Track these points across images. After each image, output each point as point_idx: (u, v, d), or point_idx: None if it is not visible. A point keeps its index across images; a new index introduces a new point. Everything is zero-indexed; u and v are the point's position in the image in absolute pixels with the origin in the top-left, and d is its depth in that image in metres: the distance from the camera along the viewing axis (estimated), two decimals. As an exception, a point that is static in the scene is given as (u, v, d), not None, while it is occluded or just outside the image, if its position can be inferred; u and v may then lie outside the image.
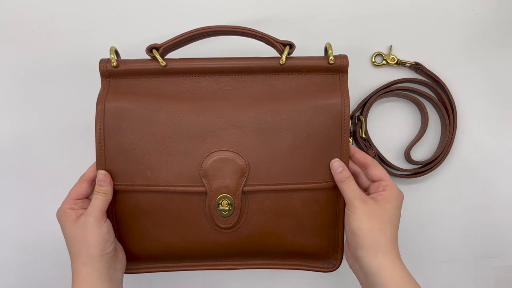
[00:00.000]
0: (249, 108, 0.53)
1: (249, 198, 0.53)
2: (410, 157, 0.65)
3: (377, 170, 0.52)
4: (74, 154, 0.66)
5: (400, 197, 0.51)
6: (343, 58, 0.53)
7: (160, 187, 0.52)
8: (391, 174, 0.65)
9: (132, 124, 0.52)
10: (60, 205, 0.53)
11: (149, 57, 0.54)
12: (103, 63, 0.54)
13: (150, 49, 0.53)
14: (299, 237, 0.55)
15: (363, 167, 0.54)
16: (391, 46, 0.67)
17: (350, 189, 0.50)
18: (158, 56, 0.53)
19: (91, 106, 0.66)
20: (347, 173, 0.51)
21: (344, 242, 0.56)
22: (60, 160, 0.66)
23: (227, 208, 0.52)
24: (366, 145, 0.65)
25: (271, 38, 0.53)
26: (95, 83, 0.66)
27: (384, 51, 0.67)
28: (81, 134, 0.66)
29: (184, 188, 0.52)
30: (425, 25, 0.67)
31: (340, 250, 0.57)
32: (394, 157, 0.67)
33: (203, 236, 0.54)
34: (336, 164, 0.51)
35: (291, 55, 0.54)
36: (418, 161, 0.66)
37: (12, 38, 0.66)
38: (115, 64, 0.53)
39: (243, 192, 0.52)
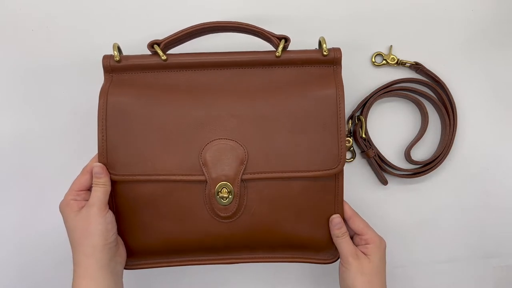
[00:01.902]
0: (247, 99, 0.54)
1: (248, 186, 0.53)
2: (410, 157, 0.65)
3: (357, 224, 0.55)
4: (74, 153, 0.66)
5: (383, 245, 0.55)
6: (337, 51, 0.56)
7: (161, 177, 0.53)
8: (391, 174, 0.65)
9: (133, 116, 0.53)
10: (61, 199, 0.53)
11: (150, 54, 0.56)
12: (106, 59, 0.55)
13: (151, 45, 0.55)
14: (299, 226, 0.55)
15: (345, 220, 0.56)
16: (391, 46, 0.67)
17: (345, 245, 0.54)
18: (159, 50, 0.55)
19: (92, 105, 0.66)
20: (344, 229, 0.55)
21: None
22: (60, 159, 0.66)
23: (226, 195, 0.52)
24: (366, 145, 0.65)
25: (266, 32, 0.55)
26: (95, 83, 0.66)
27: (384, 51, 0.67)
28: (81, 133, 0.66)
29: (184, 177, 0.53)
30: (425, 25, 0.67)
31: None
32: (394, 157, 0.67)
33: (203, 227, 0.54)
34: (337, 221, 0.55)
35: (287, 49, 0.56)
36: (418, 161, 0.66)
37: (12, 38, 0.66)
38: (117, 58, 0.55)
39: (242, 181, 0.53)
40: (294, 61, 0.55)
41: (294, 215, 0.54)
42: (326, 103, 0.53)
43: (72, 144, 0.66)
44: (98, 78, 0.66)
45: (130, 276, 0.60)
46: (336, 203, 0.55)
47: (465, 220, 0.67)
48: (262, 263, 0.63)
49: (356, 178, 0.67)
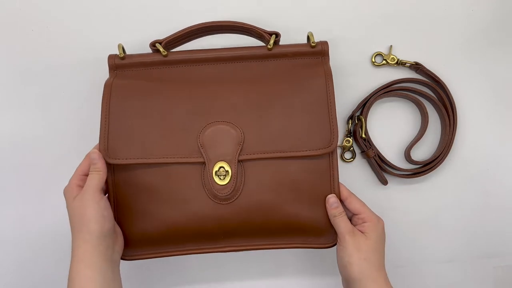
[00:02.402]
0: (242, 87, 0.57)
1: (246, 167, 0.55)
2: (410, 157, 0.65)
3: (354, 204, 0.56)
4: (74, 153, 0.65)
5: (380, 223, 0.55)
6: (324, 44, 0.60)
7: (160, 159, 0.54)
8: (391, 174, 0.65)
9: (134, 104, 0.56)
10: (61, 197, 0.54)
11: (151, 52, 0.60)
12: (111, 58, 0.59)
13: (153, 44, 0.59)
14: (297, 208, 0.55)
15: (342, 201, 0.57)
16: (391, 46, 0.67)
17: (342, 223, 0.54)
18: (160, 47, 0.58)
19: (92, 105, 0.66)
20: (340, 209, 0.55)
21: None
22: (60, 159, 0.66)
23: (224, 174, 0.54)
24: (366, 145, 0.65)
25: (259, 29, 0.59)
26: (95, 83, 0.66)
27: (384, 51, 0.67)
28: (81, 133, 0.66)
29: (183, 159, 0.54)
30: (425, 25, 0.67)
31: None
32: (394, 157, 0.67)
33: (202, 210, 0.55)
34: (332, 200, 0.55)
35: (278, 44, 0.60)
36: (418, 161, 0.66)
37: (12, 38, 0.66)
38: (122, 55, 0.59)
39: (239, 161, 0.55)
40: (285, 54, 0.59)
41: (292, 196, 0.55)
42: (316, 86, 0.56)
43: (72, 143, 0.66)
44: (98, 78, 0.66)
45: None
46: (332, 183, 0.56)
47: (465, 220, 0.67)
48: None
49: (356, 178, 0.67)
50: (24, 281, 0.66)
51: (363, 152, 0.65)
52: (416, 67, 0.66)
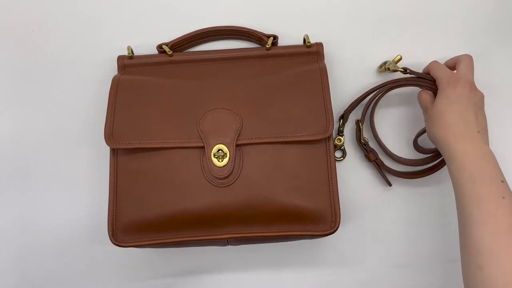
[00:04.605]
0: (243, 82, 0.61)
1: (244, 152, 0.57)
2: (418, 144, 0.64)
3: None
4: (74, 153, 0.66)
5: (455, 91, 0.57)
6: (319, 45, 0.64)
7: (160, 144, 0.56)
8: (392, 173, 0.64)
9: (139, 95, 0.60)
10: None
11: (157, 54, 0.65)
12: (121, 58, 0.64)
13: (160, 46, 0.64)
14: (295, 194, 0.56)
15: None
16: (399, 57, 0.65)
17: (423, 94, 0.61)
18: (166, 48, 0.63)
19: (91, 106, 0.67)
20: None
21: (339, 201, 0.57)
22: (59, 160, 0.66)
23: (222, 155, 0.56)
24: (367, 149, 0.64)
25: (258, 33, 0.65)
26: (95, 83, 0.67)
27: (384, 52, 0.67)
28: (81, 133, 0.66)
29: (183, 144, 0.56)
30: (425, 25, 0.68)
31: (337, 210, 0.56)
32: (400, 151, 0.66)
33: (201, 194, 0.56)
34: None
35: (277, 45, 0.65)
36: (426, 149, 0.63)
37: (12, 38, 0.67)
38: (130, 55, 0.64)
39: (238, 146, 0.56)
40: (282, 54, 0.64)
41: (289, 182, 0.56)
42: (312, 78, 0.60)
43: (72, 143, 0.66)
44: (97, 78, 0.67)
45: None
46: (330, 171, 0.57)
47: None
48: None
49: (361, 179, 0.66)
50: (24, 281, 0.66)
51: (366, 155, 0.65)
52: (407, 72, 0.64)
